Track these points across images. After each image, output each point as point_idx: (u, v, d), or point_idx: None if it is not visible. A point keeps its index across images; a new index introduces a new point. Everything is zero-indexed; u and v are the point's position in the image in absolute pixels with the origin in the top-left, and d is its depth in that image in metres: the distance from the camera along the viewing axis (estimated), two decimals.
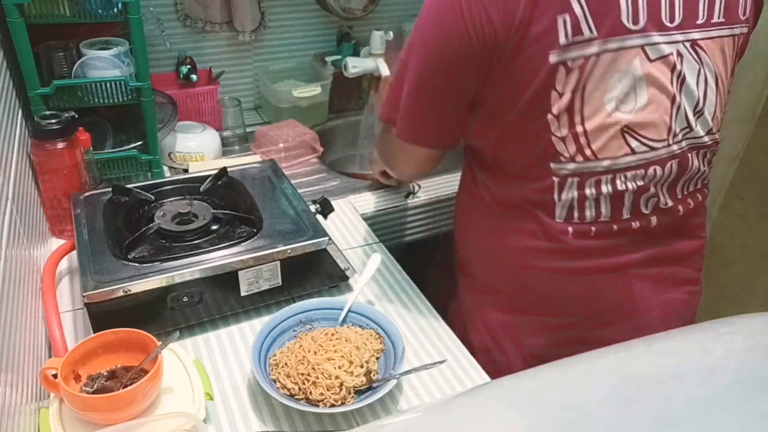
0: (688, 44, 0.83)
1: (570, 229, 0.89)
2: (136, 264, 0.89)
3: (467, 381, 0.88)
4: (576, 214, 0.88)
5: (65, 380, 0.73)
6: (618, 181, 0.86)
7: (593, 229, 0.88)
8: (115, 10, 1.08)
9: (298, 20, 1.60)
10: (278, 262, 0.93)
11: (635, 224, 0.89)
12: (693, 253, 0.99)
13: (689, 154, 0.88)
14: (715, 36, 0.85)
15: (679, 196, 0.91)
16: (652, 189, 0.88)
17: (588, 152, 0.83)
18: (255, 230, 0.97)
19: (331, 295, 1.00)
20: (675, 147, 0.87)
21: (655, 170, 0.86)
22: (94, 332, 0.81)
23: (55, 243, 1.08)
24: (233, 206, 1.05)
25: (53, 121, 1.02)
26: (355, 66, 1.51)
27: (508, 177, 0.92)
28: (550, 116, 0.82)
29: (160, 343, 0.78)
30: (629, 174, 0.86)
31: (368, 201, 1.30)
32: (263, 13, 1.53)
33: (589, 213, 0.88)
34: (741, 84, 1.28)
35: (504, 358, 1.02)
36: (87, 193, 1.06)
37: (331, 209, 1.08)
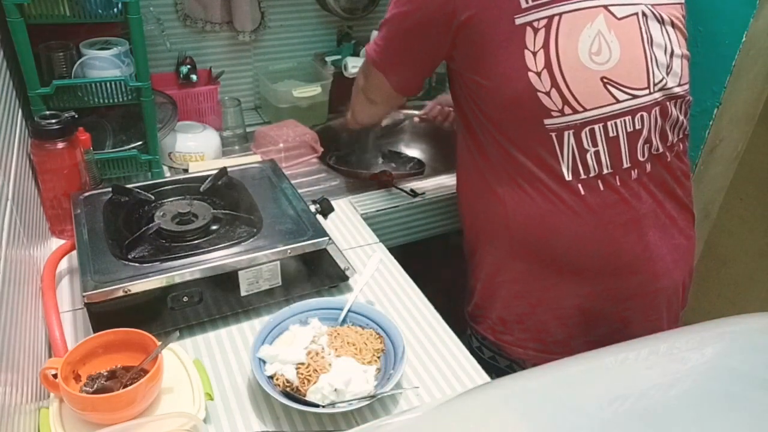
0: (649, 5, 0.94)
1: (580, 186, 0.95)
2: (136, 264, 0.89)
3: (467, 381, 0.88)
4: (581, 170, 0.94)
5: (65, 380, 0.73)
6: (610, 128, 0.93)
7: (600, 183, 0.95)
8: (115, 10, 1.08)
9: (298, 20, 1.60)
10: (278, 262, 0.93)
11: (634, 173, 0.96)
12: (685, 198, 1.06)
13: (668, 103, 0.97)
14: (669, 3, 0.98)
15: (668, 143, 0.99)
16: (645, 133, 0.95)
17: (575, 104, 0.91)
18: (255, 230, 0.97)
19: (331, 295, 1.00)
20: (657, 95, 0.96)
21: (642, 116, 0.95)
22: (94, 332, 0.81)
23: (55, 243, 1.08)
24: (233, 206, 1.05)
25: (53, 121, 1.02)
26: (355, 66, 1.51)
27: (513, 148, 0.97)
28: (531, 74, 0.89)
29: (160, 343, 0.78)
30: (618, 121, 0.93)
31: (368, 201, 1.29)
32: (263, 13, 1.53)
33: (592, 164, 0.94)
34: (741, 84, 1.28)
35: (541, 327, 1.06)
36: (87, 193, 1.06)
37: (331, 209, 1.08)
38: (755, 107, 1.35)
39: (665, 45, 0.96)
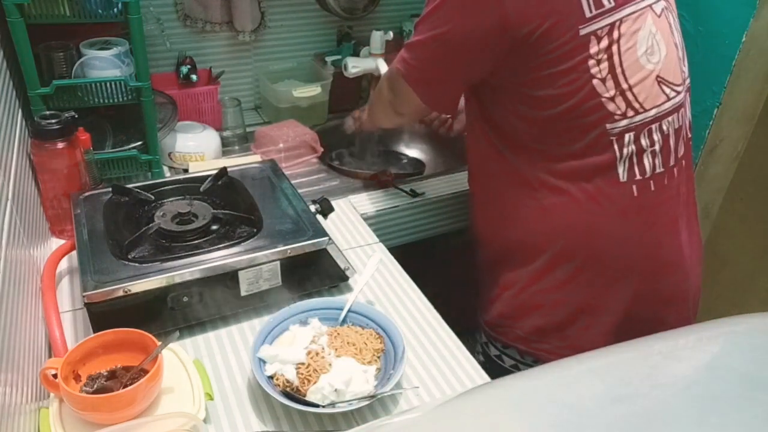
0: (664, 1, 0.95)
1: (634, 187, 0.95)
2: (136, 264, 0.89)
3: (467, 381, 0.88)
4: (637, 170, 0.94)
5: (65, 380, 0.73)
6: (664, 127, 0.95)
7: (652, 183, 0.95)
8: (115, 10, 1.08)
9: (298, 20, 1.60)
10: (278, 262, 0.93)
11: (675, 172, 0.97)
12: (694, 196, 1.07)
13: (687, 95, 1.00)
14: None
15: (689, 138, 1.01)
16: (683, 129, 0.97)
17: (637, 106, 0.92)
18: (255, 230, 0.97)
19: (331, 295, 1.00)
20: (684, 87, 0.98)
21: (681, 112, 0.97)
22: (94, 332, 0.81)
23: (55, 243, 1.08)
24: (233, 206, 1.05)
25: (53, 121, 1.02)
26: (355, 66, 1.51)
27: (562, 153, 0.96)
28: (595, 81, 0.90)
29: (160, 343, 0.78)
30: (669, 119, 0.95)
31: (368, 201, 1.30)
32: (263, 13, 1.53)
33: (648, 164, 0.95)
34: (741, 84, 1.28)
35: (581, 335, 1.04)
36: (87, 193, 1.06)
37: (331, 209, 1.08)
38: (755, 107, 1.35)
39: (680, 40, 0.98)
